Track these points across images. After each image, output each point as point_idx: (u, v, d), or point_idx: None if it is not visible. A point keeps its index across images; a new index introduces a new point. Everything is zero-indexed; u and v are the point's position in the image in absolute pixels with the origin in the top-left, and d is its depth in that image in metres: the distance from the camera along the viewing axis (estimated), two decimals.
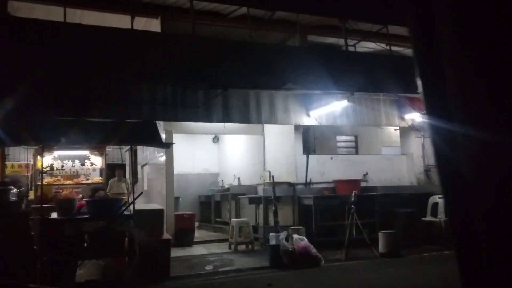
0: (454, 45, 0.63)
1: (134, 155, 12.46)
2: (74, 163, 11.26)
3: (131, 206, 6.79)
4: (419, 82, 0.70)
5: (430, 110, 0.70)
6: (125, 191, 10.75)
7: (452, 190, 0.68)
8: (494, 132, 0.60)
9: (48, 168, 10.80)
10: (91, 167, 11.39)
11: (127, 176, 12.38)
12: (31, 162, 11.63)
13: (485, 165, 0.62)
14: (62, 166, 11.17)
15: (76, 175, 11.21)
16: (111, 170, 11.34)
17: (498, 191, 0.61)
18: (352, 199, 8.48)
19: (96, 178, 11.25)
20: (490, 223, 0.63)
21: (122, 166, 12.23)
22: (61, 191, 9.94)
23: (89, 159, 11.33)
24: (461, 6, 0.62)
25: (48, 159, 10.63)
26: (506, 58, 0.58)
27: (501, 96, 0.59)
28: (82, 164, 11.32)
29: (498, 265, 0.63)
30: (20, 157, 13.29)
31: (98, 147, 10.44)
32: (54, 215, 6.72)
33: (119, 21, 8.98)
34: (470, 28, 0.61)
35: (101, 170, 11.40)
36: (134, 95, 8.49)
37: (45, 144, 7.34)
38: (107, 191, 10.32)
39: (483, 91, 0.61)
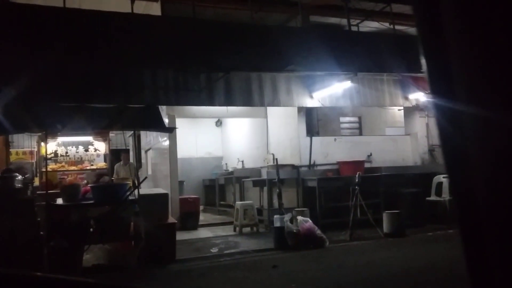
0: (458, 23, 0.60)
1: (137, 140, 12.47)
2: (78, 149, 11.29)
3: (136, 191, 6.82)
4: (423, 61, 0.68)
5: (435, 89, 0.68)
6: (133, 176, 10.72)
7: (457, 171, 0.67)
8: (499, 112, 0.58)
9: (52, 155, 10.84)
10: (95, 153, 11.42)
11: (131, 160, 12.40)
12: (35, 149, 11.67)
13: (490, 146, 0.60)
14: (66, 152, 11.20)
15: (80, 161, 11.25)
16: (115, 155, 11.37)
17: (503, 172, 0.59)
18: (356, 180, 8.48)
19: (100, 164, 11.28)
20: (495, 205, 0.61)
21: (127, 151, 12.25)
22: (65, 177, 9.98)
23: (92, 144, 11.35)
24: None
25: (52, 146, 10.66)
26: None
27: (507, 75, 0.56)
28: (86, 150, 11.35)
29: (503, 249, 0.62)
30: (24, 144, 13.32)
31: (102, 133, 10.43)
32: (59, 201, 6.77)
33: (119, 5, 8.87)
34: (475, 4, 0.58)
35: (105, 155, 11.43)
36: (136, 79, 8.45)
37: (48, 131, 7.35)
38: (113, 176, 10.35)
39: (488, 70, 0.59)
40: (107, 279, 5.90)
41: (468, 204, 0.65)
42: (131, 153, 13.33)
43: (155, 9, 9.88)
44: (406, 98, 10.97)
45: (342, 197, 9.04)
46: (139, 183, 7.24)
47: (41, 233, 6.28)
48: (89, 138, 11.12)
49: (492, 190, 0.61)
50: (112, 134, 11.55)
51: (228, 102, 9.34)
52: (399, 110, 12.69)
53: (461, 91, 0.61)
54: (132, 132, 9.67)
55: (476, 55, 0.60)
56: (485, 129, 0.60)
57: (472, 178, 0.63)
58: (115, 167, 10.61)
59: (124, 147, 12.73)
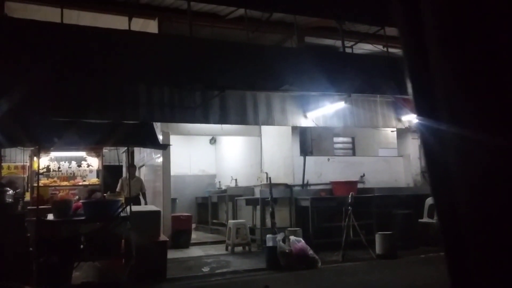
0: (440, 47, 0.63)
1: (131, 156, 12.44)
2: (71, 165, 11.22)
3: (128, 208, 6.77)
4: (408, 83, 0.70)
5: (419, 110, 0.70)
6: (138, 191, 10.53)
7: (440, 189, 0.69)
8: (478, 131, 0.61)
9: (45, 170, 10.75)
10: (87, 169, 11.34)
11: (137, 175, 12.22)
12: (28, 164, 11.58)
13: (471, 164, 0.63)
14: (59, 168, 11.12)
15: (72, 176, 11.16)
16: (108, 171, 11.30)
17: (484, 189, 0.62)
18: (349, 201, 8.48)
19: (93, 180, 11.20)
20: (476, 222, 0.63)
21: (133, 165, 12.00)
22: (57, 192, 9.90)
23: (85, 160, 11.28)
24: (447, 8, 0.62)
25: (44, 161, 10.59)
26: (490, 59, 0.58)
27: (486, 96, 0.59)
28: (79, 166, 11.27)
29: (484, 264, 0.63)
30: (17, 158, 13.23)
31: (95, 149, 10.38)
32: (50, 216, 6.70)
33: (117, 22, 8.97)
34: (456, 29, 0.62)
35: (97, 171, 11.34)
36: (131, 96, 8.49)
37: (41, 146, 7.32)
38: (117, 190, 10.21)
39: (468, 92, 0.62)
40: None
41: (451, 222, 0.67)
42: (124, 169, 13.28)
43: (152, 27, 9.99)
44: (399, 120, 11.08)
45: (335, 217, 9.03)
46: (131, 200, 7.20)
47: (31, 249, 6.19)
48: (82, 154, 11.07)
49: (473, 208, 0.64)
50: (105, 150, 11.51)
51: (223, 120, 9.38)
52: (392, 131, 12.79)
53: (443, 113, 0.64)
54: (126, 148, 9.65)
55: (456, 78, 0.63)
56: (466, 148, 0.63)
57: (455, 195, 0.65)
58: (121, 181, 10.49)
59: (117, 163, 12.67)
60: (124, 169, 13.10)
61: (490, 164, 0.59)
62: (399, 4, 0.70)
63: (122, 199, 8.02)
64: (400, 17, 0.70)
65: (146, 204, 10.38)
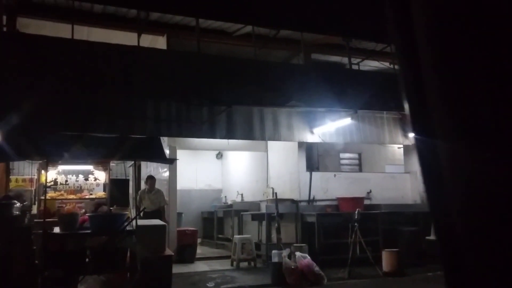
0: (431, 66, 0.66)
1: (137, 170, 12.50)
2: (78, 178, 11.30)
3: (134, 222, 6.79)
4: (404, 100, 0.73)
5: (415, 126, 0.73)
6: (158, 205, 9.71)
7: (434, 195, 0.72)
8: (471, 147, 0.64)
9: (52, 183, 10.84)
10: (94, 182, 11.42)
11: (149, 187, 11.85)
12: (35, 177, 11.68)
13: (462, 174, 0.65)
14: (66, 181, 11.21)
15: (79, 189, 11.24)
16: (115, 185, 11.35)
17: (472, 195, 0.65)
18: (356, 217, 8.44)
19: (100, 193, 11.27)
20: (468, 223, 0.66)
21: (152, 177, 10.83)
22: (64, 205, 9.95)
23: (93, 174, 11.37)
24: (438, 30, 0.66)
25: (52, 174, 10.68)
26: (484, 79, 0.62)
27: (477, 113, 0.62)
28: (86, 179, 11.36)
29: (480, 275, 0.65)
30: (25, 171, 13.35)
31: (102, 162, 10.48)
32: (56, 229, 6.73)
33: (126, 38, 9.12)
34: (448, 50, 0.65)
35: (104, 185, 11.42)
36: (139, 110, 8.57)
37: (49, 159, 7.39)
38: (137, 204, 9.70)
39: (462, 109, 0.65)
40: None
41: (445, 222, 0.69)
42: (130, 183, 13.32)
43: (161, 43, 10.14)
44: (406, 136, 11.05)
45: (341, 233, 8.97)
46: (137, 214, 7.22)
47: (36, 261, 6.21)
48: (90, 167, 11.16)
49: (464, 209, 0.66)
50: (112, 164, 11.59)
51: (230, 135, 9.42)
52: (398, 148, 12.76)
53: (439, 129, 0.67)
54: (133, 162, 9.71)
55: (445, 96, 0.66)
56: (458, 161, 0.65)
57: (447, 201, 0.68)
58: (139, 193, 9.86)
59: (124, 177, 12.73)
60: (131, 183, 13.14)
61: (482, 177, 0.62)
62: (394, 25, 0.73)
63: (128, 213, 8.04)
64: (395, 35, 0.73)
65: (164, 219, 9.65)
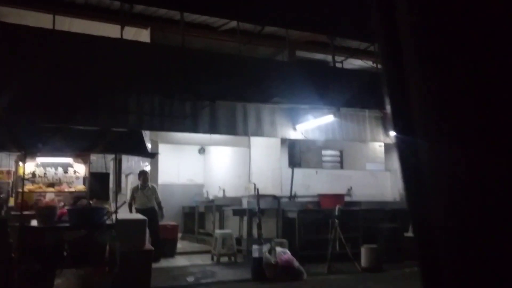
0: (414, 66, 0.68)
1: (118, 164, 12.38)
2: (57, 171, 11.11)
3: (113, 216, 6.73)
4: (386, 99, 0.75)
5: (396, 125, 0.75)
6: (153, 202, 9.44)
7: (414, 199, 0.73)
8: (449, 144, 0.66)
9: (30, 175, 10.64)
10: (74, 175, 11.24)
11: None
12: (13, 169, 11.44)
13: (441, 171, 0.67)
14: (45, 173, 11.00)
15: (58, 182, 11.05)
16: (95, 178, 11.18)
17: (452, 192, 0.67)
18: (336, 213, 8.52)
19: (79, 187, 11.10)
20: (446, 220, 0.68)
21: (144, 172, 10.34)
22: (42, 198, 9.79)
23: (72, 167, 11.19)
24: (422, 30, 0.67)
25: (30, 166, 10.48)
26: (466, 80, 0.64)
27: (450, 111, 0.64)
28: (65, 172, 11.17)
29: (456, 270, 0.67)
30: (2, 163, 13.06)
31: (82, 155, 10.31)
32: (34, 222, 6.63)
33: (109, 30, 9.00)
34: (433, 49, 0.66)
35: (84, 178, 11.25)
36: (121, 103, 8.48)
37: (27, 151, 7.26)
38: (128, 201, 9.50)
39: (442, 108, 0.67)
40: None
41: (423, 220, 0.71)
42: (111, 177, 13.17)
43: (145, 36, 10.03)
44: (387, 135, 11.20)
45: (321, 229, 9.05)
46: (117, 208, 7.15)
47: (13, 255, 6.10)
48: (69, 160, 10.98)
49: (441, 207, 0.68)
50: (93, 157, 11.43)
51: (212, 130, 9.40)
52: (380, 146, 12.92)
53: (419, 127, 0.68)
54: (114, 155, 9.60)
55: (431, 96, 0.68)
56: (437, 160, 0.67)
57: (426, 199, 0.70)
58: (132, 190, 9.58)
59: (104, 171, 12.57)
60: (111, 177, 12.99)
61: (461, 176, 0.64)
62: (379, 24, 0.75)
63: (108, 207, 7.96)
64: (380, 35, 0.75)
65: (162, 217, 9.61)
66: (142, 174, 9.74)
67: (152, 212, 9.26)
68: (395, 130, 0.75)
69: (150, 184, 9.72)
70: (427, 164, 0.68)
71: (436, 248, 0.70)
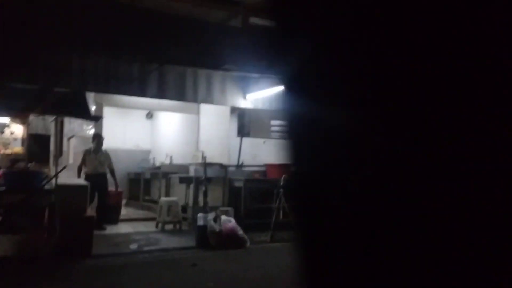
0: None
1: (60, 126, 11.83)
2: None
3: (53, 180, 6.48)
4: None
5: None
6: (105, 168, 9.13)
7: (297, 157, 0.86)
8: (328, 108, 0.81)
9: None
10: (11, 136, 10.67)
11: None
12: None
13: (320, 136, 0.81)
14: None
15: None
16: (34, 140, 10.68)
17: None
18: (281, 183, 8.66)
19: (17, 148, 10.58)
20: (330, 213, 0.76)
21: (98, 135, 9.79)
22: None
23: (9, 127, 10.59)
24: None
25: None
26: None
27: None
28: (1, 132, 10.58)
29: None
30: None
31: (20, 116, 9.77)
32: None
33: None
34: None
35: (22, 139, 10.72)
36: (63, 62, 8.02)
37: None
38: (78, 166, 9.04)
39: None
40: (14, 272, 5.53)
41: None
42: (52, 139, 12.61)
43: None
44: None
45: (266, 199, 9.20)
46: (57, 172, 6.88)
47: None
48: (6, 120, 10.37)
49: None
50: (32, 118, 10.85)
51: (161, 94, 9.15)
52: None
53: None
54: (55, 117, 9.15)
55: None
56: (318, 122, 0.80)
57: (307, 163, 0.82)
58: (84, 153, 9.09)
59: (44, 132, 12.00)
60: (52, 140, 12.43)
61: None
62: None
63: (47, 170, 7.63)
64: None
65: (117, 185, 9.42)
66: (97, 137, 9.27)
67: (103, 178, 9.00)
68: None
69: (103, 149, 9.33)
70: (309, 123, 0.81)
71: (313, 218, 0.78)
